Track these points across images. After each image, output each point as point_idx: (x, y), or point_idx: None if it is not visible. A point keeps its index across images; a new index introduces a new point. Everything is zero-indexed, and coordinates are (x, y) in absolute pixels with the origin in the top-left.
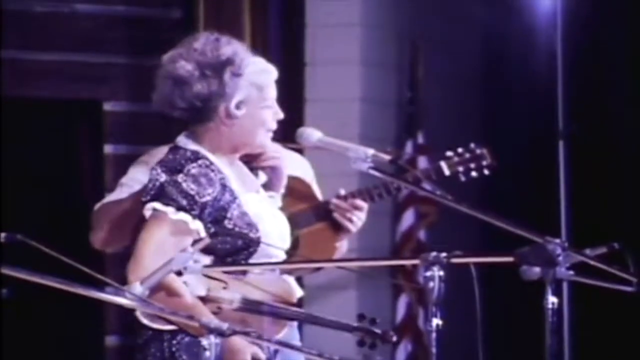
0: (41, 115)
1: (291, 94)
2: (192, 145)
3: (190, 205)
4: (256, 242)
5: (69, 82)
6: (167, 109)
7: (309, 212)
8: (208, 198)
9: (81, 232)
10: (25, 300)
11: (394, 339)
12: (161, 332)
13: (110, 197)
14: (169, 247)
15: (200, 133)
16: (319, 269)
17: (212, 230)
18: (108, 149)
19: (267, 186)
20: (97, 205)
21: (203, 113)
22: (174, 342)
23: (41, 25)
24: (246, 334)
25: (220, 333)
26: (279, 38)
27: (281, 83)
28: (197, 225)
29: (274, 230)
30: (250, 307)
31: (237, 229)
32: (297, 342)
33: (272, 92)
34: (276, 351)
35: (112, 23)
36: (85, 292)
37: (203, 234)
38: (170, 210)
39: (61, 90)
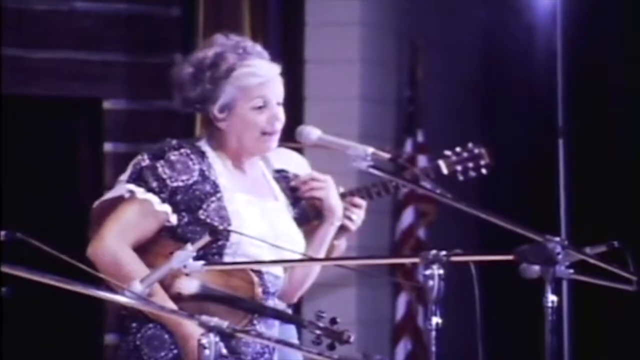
0: (40, 113)
1: (291, 93)
2: (201, 143)
3: (160, 188)
4: (224, 236)
5: (69, 80)
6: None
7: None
8: (180, 184)
9: (81, 231)
10: (25, 299)
11: (351, 340)
12: (131, 325)
13: (108, 195)
14: (132, 224)
15: (210, 132)
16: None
17: (186, 219)
18: (107, 147)
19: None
20: (96, 203)
21: (204, 114)
22: (139, 335)
23: (41, 24)
24: (246, 332)
25: (220, 332)
26: (279, 37)
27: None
28: (164, 208)
29: (257, 233)
30: (207, 295)
31: (208, 220)
32: (294, 340)
33: (267, 95)
34: (274, 348)
35: (112, 21)
36: (84, 291)
37: (172, 218)
38: (139, 191)
39: (61, 88)
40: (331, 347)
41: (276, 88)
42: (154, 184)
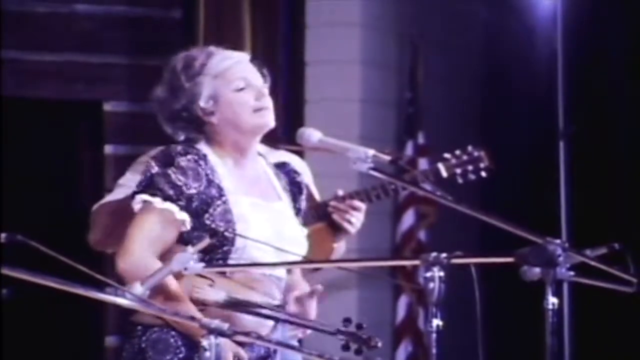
0: (41, 116)
1: (291, 95)
2: (201, 146)
3: (177, 196)
4: (230, 241)
5: (69, 82)
6: (171, 132)
7: (307, 213)
8: (194, 191)
9: (81, 233)
10: (25, 300)
11: (379, 345)
12: (135, 328)
13: (108, 198)
14: (156, 235)
15: (207, 136)
16: (318, 269)
17: (191, 224)
18: (108, 149)
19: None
20: (95, 206)
21: (195, 121)
22: (144, 338)
23: (41, 26)
24: (246, 334)
25: (220, 333)
26: (280, 38)
27: (281, 83)
28: (183, 216)
29: (262, 236)
30: (235, 305)
31: (213, 225)
32: (295, 342)
33: (243, 73)
34: (275, 350)
35: (112, 23)
36: (85, 293)
37: (188, 225)
38: (157, 201)
39: (61, 91)
40: (358, 352)
41: (252, 69)
42: (171, 192)
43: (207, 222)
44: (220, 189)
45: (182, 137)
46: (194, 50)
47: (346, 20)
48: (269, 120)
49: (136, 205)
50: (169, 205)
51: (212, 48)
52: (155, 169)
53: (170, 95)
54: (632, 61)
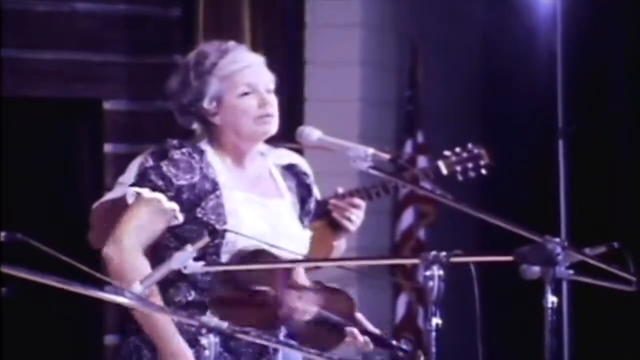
0: (41, 115)
1: (291, 94)
2: (201, 144)
3: (167, 187)
4: (220, 235)
5: (69, 81)
6: (183, 123)
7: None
8: (184, 182)
9: (81, 231)
10: (25, 299)
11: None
12: (131, 326)
13: (108, 196)
14: (144, 225)
15: (208, 133)
16: (317, 267)
17: (183, 217)
18: (108, 148)
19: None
20: (95, 205)
21: (200, 118)
22: (139, 336)
23: (41, 25)
24: (245, 333)
25: (220, 332)
26: (279, 38)
27: (281, 83)
28: (172, 206)
29: (256, 232)
30: (322, 321)
31: (205, 218)
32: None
33: (249, 79)
34: (276, 350)
35: (112, 22)
36: (84, 291)
37: (180, 216)
38: (145, 191)
39: (61, 90)
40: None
41: (261, 75)
42: (160, 183)
43: (199, 215)
44: (215, 183)
45: (194, 126)
46: (211, 45)
47: (346, 20)
48: (270, 128)
49: (129, 198)
50: (157, 195)
51: (230, 44)
52: (150, 163)
53: (180, 88)
54: (632, 61)
